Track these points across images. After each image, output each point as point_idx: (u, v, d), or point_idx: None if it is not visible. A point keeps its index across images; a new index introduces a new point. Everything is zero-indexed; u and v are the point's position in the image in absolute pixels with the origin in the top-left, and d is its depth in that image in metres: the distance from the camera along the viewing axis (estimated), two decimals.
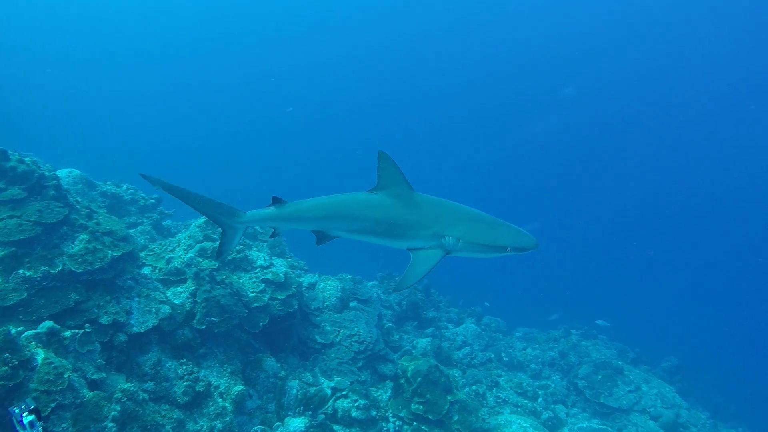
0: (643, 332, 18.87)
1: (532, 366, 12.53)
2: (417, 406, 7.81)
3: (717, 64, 48.46)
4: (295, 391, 7.77)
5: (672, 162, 51.75)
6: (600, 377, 11.71)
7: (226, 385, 6.98)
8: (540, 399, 10.59)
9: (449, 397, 8.00)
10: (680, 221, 47.99)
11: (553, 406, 10.83)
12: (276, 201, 5.29)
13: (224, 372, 7.17)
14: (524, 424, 8.78)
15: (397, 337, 10.91)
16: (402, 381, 8.13)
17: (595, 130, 54.41)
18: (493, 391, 10.26)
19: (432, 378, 8.05)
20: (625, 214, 49.34)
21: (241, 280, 8.22)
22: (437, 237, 4.88)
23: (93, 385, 5.55)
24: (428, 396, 7.89)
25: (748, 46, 45.63)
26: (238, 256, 8.51)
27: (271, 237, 5.77)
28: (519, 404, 10.06)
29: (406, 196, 5.06)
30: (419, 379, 7.96)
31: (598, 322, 15.86)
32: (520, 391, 10.51)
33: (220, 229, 5.59)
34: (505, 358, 12.42)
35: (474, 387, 10.09)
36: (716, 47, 47.49)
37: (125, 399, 5.44)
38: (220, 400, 6.76)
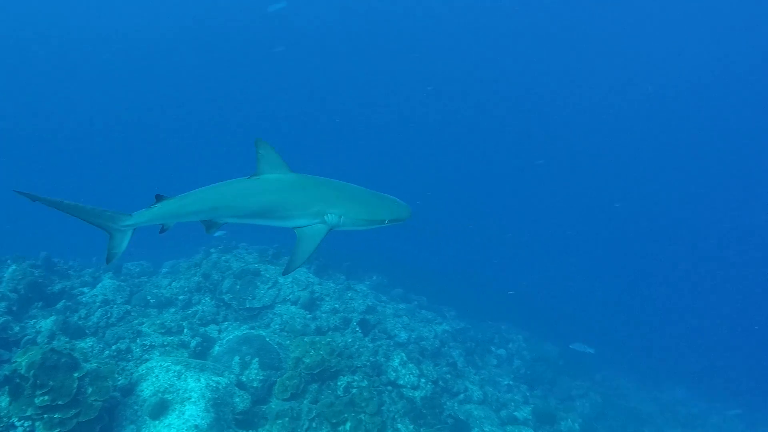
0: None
1: (180, 297, 12.80)
2: (42, 398, 7.45)
3: None
4: None
5: None
6: (240, 285, 12.58)
7: None
8: (186, 329, 10.98)
9: (76, 374, 7.79)
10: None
11: (203, 329, 11.35)
12: (159, 198, 5.39)
13: None
14: (166, 363, 9.12)
15: (18, 328, 10.02)
16: (18, 380, 7.60)
17: None
18: (138, 341, 10.28)
19: (50, 363, 7.68)
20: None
21: None
22: (320, 215, 5.23)
23: None
24: (51, 383, 7.56)
25: None
26: None
27: (160, 232, 5.73)
28: (166, 343, 10.31)
29: (288, 179, 5.42)
30: (33, 371, 7.54)
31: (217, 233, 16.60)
32: (164, 330, 10.71)
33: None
34: (152, 300, 12.44)
35: (115, 346, 9.96)
36: None
37: None
38: None
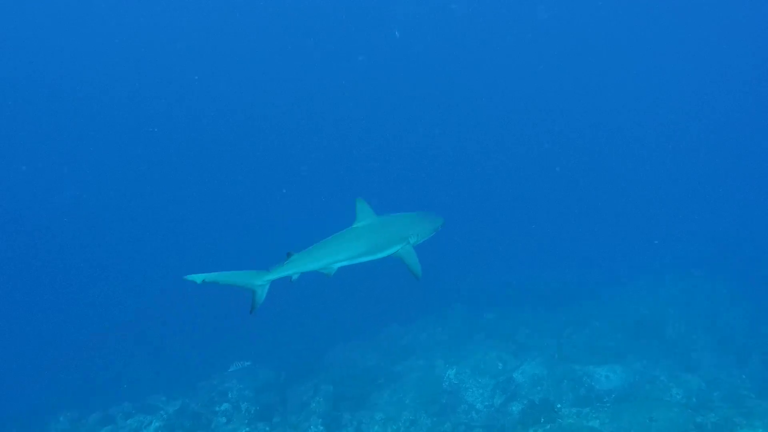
0: None
1: None
2: None
3: None
4: None
5: None
6: None
7: None
8: None
9: None
10: None
11: None
12: (289, 255, 7.00)
13: None
14: None
15: None
16: None
17: None
18: None
19: None
20: None
21: None
22: (404, 239, 7.59)
23: None
24: None
25: None
26: None
27: (292, 281, 7.33)
28: None
29: (379, 222, 7.64)
30: None
31: None
32: None
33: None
34: None
35: None
36: None
37: None
38: None
